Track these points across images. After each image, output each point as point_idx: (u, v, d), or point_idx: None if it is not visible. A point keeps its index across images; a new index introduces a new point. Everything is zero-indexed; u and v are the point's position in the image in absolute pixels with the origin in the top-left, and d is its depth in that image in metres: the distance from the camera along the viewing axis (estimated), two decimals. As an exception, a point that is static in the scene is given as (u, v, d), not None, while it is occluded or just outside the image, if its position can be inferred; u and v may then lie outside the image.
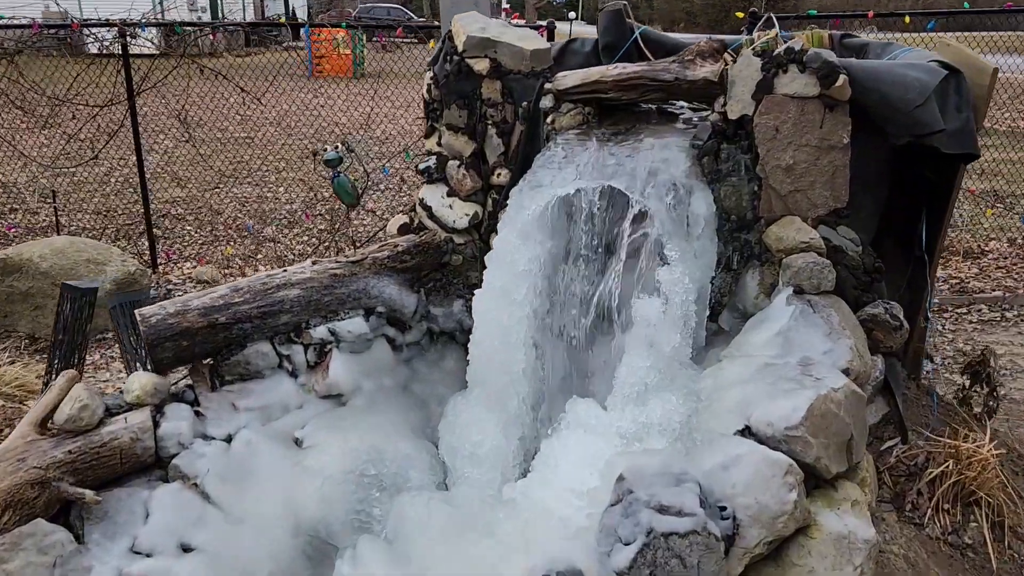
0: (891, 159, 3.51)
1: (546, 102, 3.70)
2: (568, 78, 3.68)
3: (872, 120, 3.28)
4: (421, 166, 4.05)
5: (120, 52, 7.35)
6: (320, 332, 3.73)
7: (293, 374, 3.74)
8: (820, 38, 3.64)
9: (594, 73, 3.62)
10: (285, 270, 3.79)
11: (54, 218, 9.01)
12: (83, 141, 8.38)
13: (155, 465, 3.36)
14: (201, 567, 3.08)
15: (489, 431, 3.38)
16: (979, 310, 6.35)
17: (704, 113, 3.65)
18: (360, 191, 3.81)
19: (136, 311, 3.51)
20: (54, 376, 4.61)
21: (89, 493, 3.12)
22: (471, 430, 3.40)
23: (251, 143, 14.27)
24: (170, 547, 3.12)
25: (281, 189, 11.41)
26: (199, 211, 10.51)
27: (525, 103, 3.76)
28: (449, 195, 4.04)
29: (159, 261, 8.40)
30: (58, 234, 9.02)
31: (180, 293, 7.74)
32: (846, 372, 2.86)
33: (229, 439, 3.47)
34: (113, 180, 10.88)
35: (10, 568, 2.86)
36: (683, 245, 3.21)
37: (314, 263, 3.86)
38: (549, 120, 3.70)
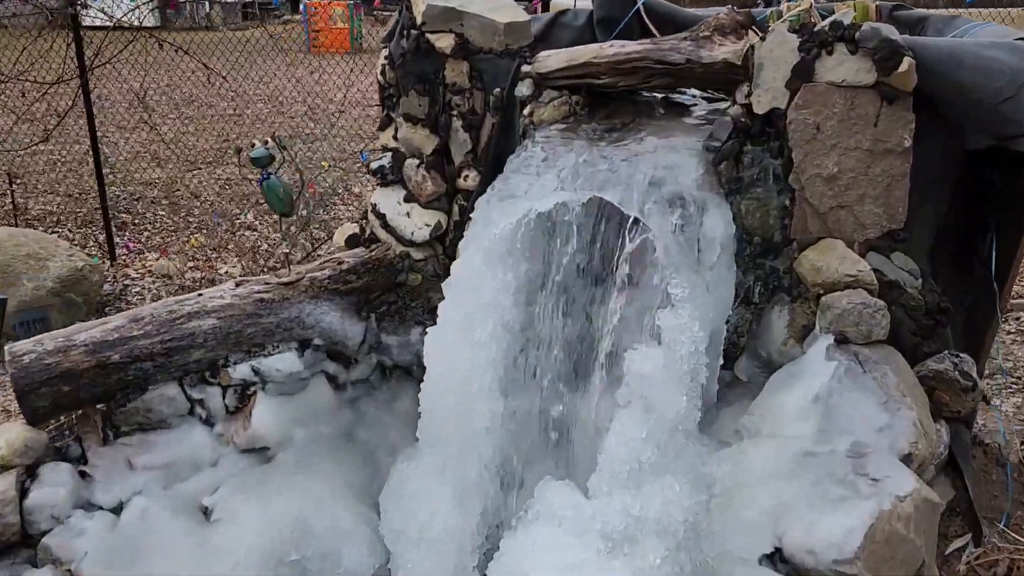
0: (954, 164, 2.74)
1: (523, 89, 2.95)
2: (551, 59, 2.92)
3: (941, 116, 2.52)
4: (373, 165, 3.31)
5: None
6: (241, 371, 3.02)
7: (208, 422, 3.04)
8: (865, 9, 2.85)
9: (584, 53, 2.86)
10: (200, 294, 3.06)
11: (11, 204, 8.29)
12: (35, 121, 7.66)
13: (22, 544, 2.67)
14: None
15: (441, 506, 2.67)
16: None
17: (723, 105, 2.89)
18: (295, 197, 3.07)
19: (8, 348, 2.80)
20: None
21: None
22: (419, 504, 2.70)
23: (240, 120, 13.51)
24: (29, 656, 2.44)
25: (294, 168, 10.65)
26: (176, 194, 9.78)
27: (497, 90, 3.01)
28: (407, 200, 3.30)
29: (118, 253, 7.68)
30: (15, 220, 8.29)
31: (138, 290, 7.05)
32: (908, 458, 2.13)
33: (120, 508, 2.77)
34: (78, 163, 10.17)
35: None
36: (692, 278, 2.48)
37: (237, 284, 3.14)
38: (527, 112, 2.95)
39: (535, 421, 2.86)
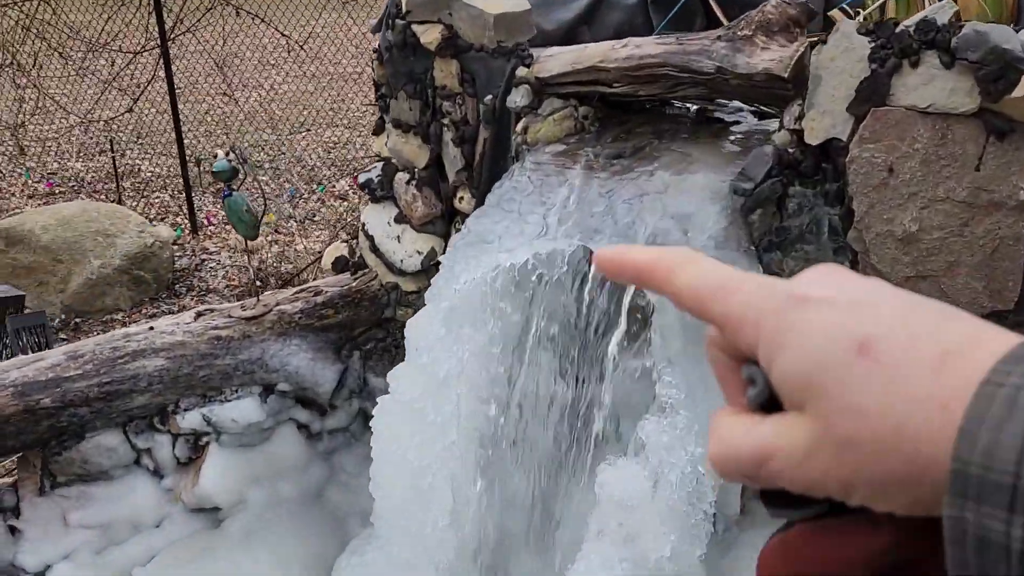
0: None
1: (518, 97, 2.34)
2: (553, 60, 2.30)
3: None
4: (361, 177, 2.82)
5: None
6: (192, 420, 2.63)
7: (156, 473, 2.68)
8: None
9: (591, 55, 2.22)
10: (151, 328, 2.68)
11: (121, 166, 8.36)
12: (123, 91, 7.65)
13: (-63, 608, 2.41)
14: None
15: (382, 621, 2.20)
16: None
17: (772, 125, 2.18)
18: (260, 217, 2.62)
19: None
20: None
21: None
22: (357, 615, 2.23)
23: (359, 78, 13.31)
24: None
25: (257, 185, 10.38)
26: (281, 158, 9.66)
27: (489, 97, 2.41)
28: (398, 221, 2.79)
29: (201, 224, 7.59)
30: (118, 187, 8.38)
31: (213, 266, 6.93)
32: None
33: (44, 573, 2.46)
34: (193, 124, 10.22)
35: None
36: (696, 371, 1.84)
37: (197, 316, 2.73)
38: (520, 127, 2.34)
39: (513, 507, 2.32)
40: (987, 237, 1.83)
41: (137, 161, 9.36)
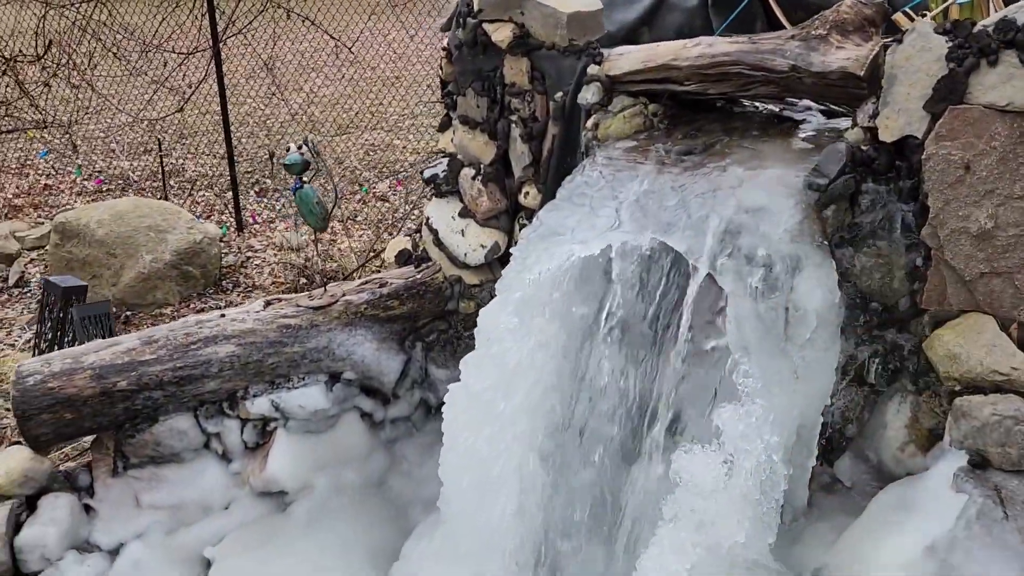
0: None
1: (589, 95, 2.39)
2: (624, 59, 2.34)
3: None
4: (427, 172, 2.87)
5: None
6: (260, 406, 2.70)
7: (225, 457, 2.76)
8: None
9: (663, 53, 2.26)
10: (223, 315, 2.76)
11: (166, 165, 8.51)
12: (173, 90, 7.80)
13: (14, 582, 2.49)
14: None
15: (451, 604, 2.24)
16: None
17: (843, 124, 2.21)
18: (330, 210, 2.69)
19: (16, 368, 2.61)
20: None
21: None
22: (424, 598, 2.28)
23: (398, 82, 13.42)
24: None
25: (411, 137, 10.49)
26: (319, 160, 9.77)
27: (560, 94, 2.46)
28: (462, 215, 2.84)
29: (247, 222, 7.71)
30: (165, 186, 8.53)
31: (258, 263, 7.03)
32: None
33: (117, 551, 2.54)
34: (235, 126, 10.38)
35: None
36: (773, 362, 1.87)
37: (266, 305, 2.81)
38: (590, 123, 2.39)
39: (579, 497, 2.36)
40: (1064, 235, 1.84)
41: (181, 161, 9.53)
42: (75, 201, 8.53)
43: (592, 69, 2.37)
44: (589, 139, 2.38)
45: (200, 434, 2.72)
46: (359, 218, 8.19)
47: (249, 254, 7.36)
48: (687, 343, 2.12)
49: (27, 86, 7.42)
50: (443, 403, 2.82)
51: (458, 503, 2.28)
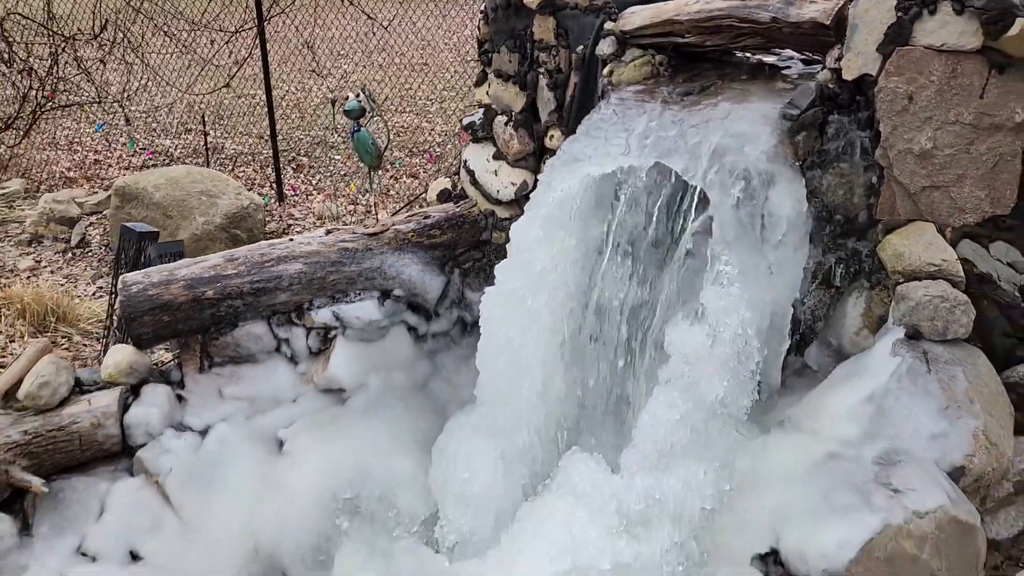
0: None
1: (605, 47, 2.84)
2: (635, 16, 2.79)
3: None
4: (465, 121, 3.34)
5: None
6: (323, 316, 3.18)
7: (292, 360, 3.24)
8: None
9: (667, 9, 2.70)
10: (291, 239, 3.25)
11: (203, 144, 9.05)
12: (221, 68, 8.31)
13: (123, 453, 3.00)
14: (143, 582, 2.68)
15: (484, 466, 2.71)
16: None
17: (816, 69, 2.65)
18: (383, 150, 3.16)
19: (122, 277, 3.11)
20: (113, 319, 4.43)
21: (36, 482, 2.80)
22: (463, 462, 2.75)
23: (425, 69, 13.89)
24: (118, 553, 2.76)
25: (439, 120, 10.96)
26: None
27: (581, 47, 2.91)
28: (496, 158, 3.30)
29: (286, 194, 8.22)
30: (208, 160, 9.07)
31: (299, 230, 7.53)
32: (959, 472, 1.91)
33: (206, 432, 3.03)
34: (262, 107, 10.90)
35: (-57, 559, 2.59)
36: (749, 256, 2.32)
37: (327, 232, 3.29)
38: (606, 71, 2.84)
39: (591, 391, 2.81)
40: (989, 154, 2.27)
41: (220, 139, 10.03)
42: (123, 174, 9.07)
43: (608, 25, 2.83)
44: (605, 84, 2.83)
45: (272, 339, 3.20)
46: (391, 192, 8.68)
47: (290, 222, 7.88)
48: (686, 254, 2.57)
49: (84, 63, 7.96)
50: (477, 321, 3.31)
51: (493, 385, 2.74)
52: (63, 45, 7.65)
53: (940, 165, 2.31)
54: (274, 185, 8.33)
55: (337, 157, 10.06)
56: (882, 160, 2.38)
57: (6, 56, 7.50)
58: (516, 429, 2.72)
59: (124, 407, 2.98)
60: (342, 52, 12.26)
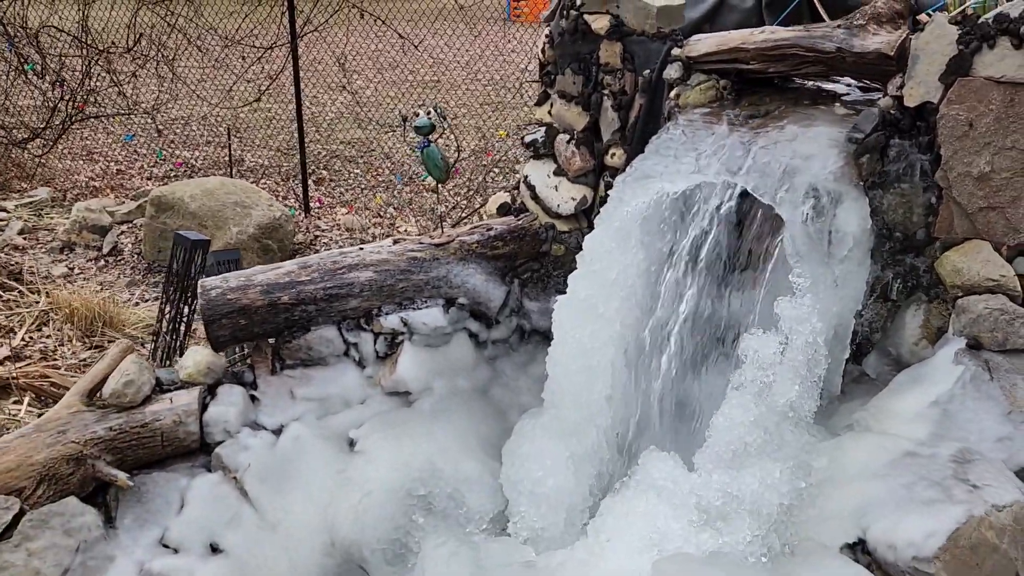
0: None
1: (672, 72, 3.01)
2: (701, 43, 2.96)
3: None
4: (527, 138, 3.49)
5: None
6: (391, 321, 3.32)
7: (360, 364, 3.37)
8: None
9: (733, 38, 2.88)
10: (361, 248, 3.39)
11: (228, 155, 9.22)
12: (252, 82, 8.50)
13: (201, 450, 3.12)
14: (224, 574, 2.80)
15: (556, 466, 2.84)
16: None
17: (876, 96, 2.82)
18: (451, 166, 3.31)
19: (201, 282, 3.25)
20: (164, 323, 4.56)
21: (122, 476, 2.92)
22: (536, 460, 2.88)
23: (437, 86, 14.11)
24: (198, 545, 2.87)
25: (453, 137, 11.17)
26: (371, 154, 10.47)
27: (647, 71, 3.08)
28: (556, 174, 3.46)
29: (312, 206, 8.38)
30: (231, 171, 9.22)
31: (326, 241, 7.68)
32: (1025, 473, 2.06)
33: (280, 431, 3.16)
34: (289, 121, 11.09)
35: (34, 547, 2.70)
36: (818, 270, 2.47)
37: (395, 242, 3.44)
38: (673, 94, 3.01)
39: (655, 396, 2.96)
40: (1043, 178, 2.44)
41: (240, 152, 10.20)
42: (146, 184, 9.22)
43: (675, 51, 3.00)
44: (671, 107, 3.00)
45: (342, 343, 3.34)
46: (412, 205, 8.85)
47: (317, 233, 8.03)
48: (756, 268, 2.72)
49: (116, 76, 8.13)
50: (535, 330, 3.47)
51: (564, 386, 2.88)
52: (96, 58, 7.82)
53: (997, 187, 2.48)
54: (299, 197, 8.49)
55: (356, 171, 10.24)
56: (941, 181, 2.55)
57: (39, 68, 7.66)
58: (585, 430, 2.86)
59: (203, 406, 3.11)
60: (355, 69, 12.48)
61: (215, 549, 2.89)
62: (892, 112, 2.58)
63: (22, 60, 7.58)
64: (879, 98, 2.67)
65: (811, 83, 3.07)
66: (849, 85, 3.01)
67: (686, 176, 2.71)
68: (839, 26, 2.70)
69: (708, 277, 2.92)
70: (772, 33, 2.80)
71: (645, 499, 2.44)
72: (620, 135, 3.24)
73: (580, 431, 2.86)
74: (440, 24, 10.16)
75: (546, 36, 3.41)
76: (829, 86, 3.03)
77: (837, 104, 2.83)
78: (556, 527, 2.78)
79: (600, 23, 3.14)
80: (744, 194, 2.66)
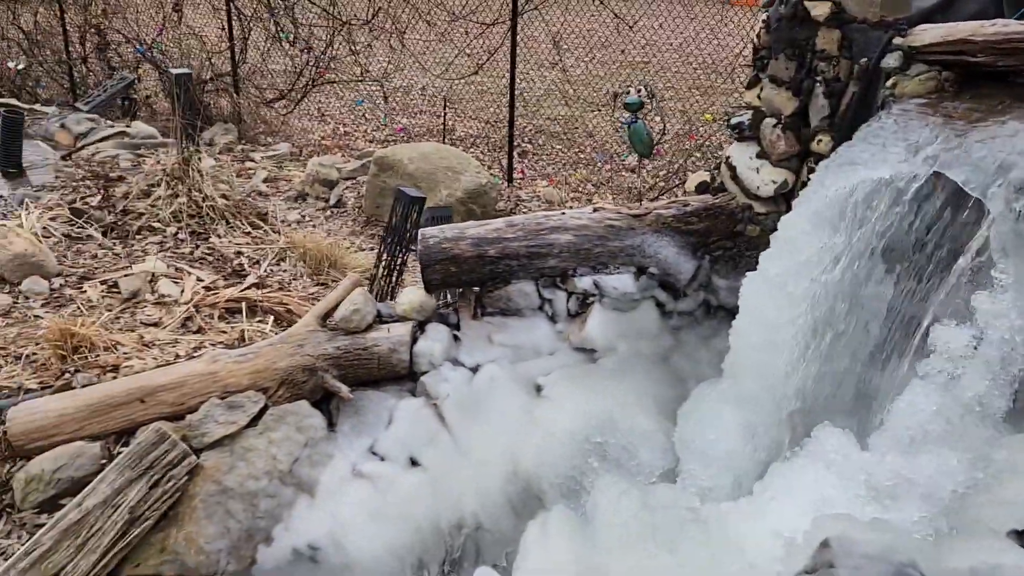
0: None
1: (891, 61, 3.01)
2: (926, 33, 2.94)
3: None
4: (733, 120, 3.59)
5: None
6: (585, 283, 3.56)
7: (552, 319, 3.64)
8: None
9: (961, 30, 2.83)
10: (563, 212, 3.65)
11: (442, 124, 9.85)
12: (469, 56, 9.02)
13: (408, 377, 3.52)
14: (421, 484, 3.18)
15: (730, 431, 2.97)
16: None
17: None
18: (655, 143, 3.48)
19: (421, 231, 3.64)
20: (380, 268, 5.08)
21: (345, 389, 3.36)
22: (709, 425, 3.02)
23: (646, 67, 14.18)
24: (401, 457, 3.27)
25: (658, 118, 11.25)
26: (574, 131, 10.80)
27: (864, 59, 3.09)
28: (759, 156, 3.54)
29: (515, 177, 8.80)
30: (444, 138, 9.84)
31: (526, 211, 8.07)
32: None
33: (476, 369, 3.50)
34: (500, 94, 11.61)
35: (273, 436, 3.20)
36: (1022, 268, 2.43)
37: (595, 210, 3.67)
38: (890, 83, 3.01)
39: (834, 377, 3.01)
40: None
41: (451, 121, 10.78)
42: (368, 146, 10.01)
43: (896, 40, 2.99)
44: (886, 96, 3.00)
45: (538, 298, 3.62)
46: (611, 183, 9.05)
47: (517, 202, 8.43)
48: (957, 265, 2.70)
49: (354, 46, 8.93)
50: (721, 306, 3.58)
51: (745, 358, 3.00)
52: (340, 28, 8.61)
53: None
54: (504, 168, 8.92)
55: (559, 147, 10.57)
56: None
57: (292, 37, 8.55)
58: (761, 401, 2.97)
59: (413, 339, 3.50)
60: (566, 47, 12.77)
61: (414, 463, 3.27)
62: None
63: (279, 29, 8.48)
64: (1116, 97, 2.55)
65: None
66: (1085, 83, 2.87)
67: (892, 165, 2.72)
68: (1079, 21, 2.60)
69: (900, 267, 2.92)
70: (1004, 26, 2.73)
71: (814, 469, 2.53)
72: (829, 122, 3.27)
73: (757, 401, 2.97)
74: (656, 5, 10.25)
75: (763, 21, 3.48)
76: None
77: (1068, 102, 2.72)
78: (724, 488, 2.92)
79: (820, 10, 3.18)
80: (951, 187, 2.64)
